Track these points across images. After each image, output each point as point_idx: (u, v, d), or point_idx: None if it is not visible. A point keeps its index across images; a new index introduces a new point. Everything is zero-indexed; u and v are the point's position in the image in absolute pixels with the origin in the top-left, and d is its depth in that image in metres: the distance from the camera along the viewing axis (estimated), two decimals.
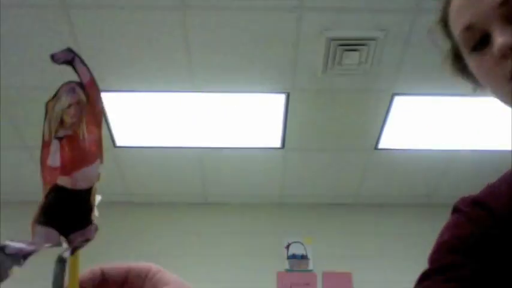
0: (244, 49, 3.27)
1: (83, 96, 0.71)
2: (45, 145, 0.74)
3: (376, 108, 3.72)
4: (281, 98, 3.62)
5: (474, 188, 3.99)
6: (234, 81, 3.49)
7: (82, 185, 0.70)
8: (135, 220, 4.57)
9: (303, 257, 4.46)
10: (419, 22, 3.12)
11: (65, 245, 0.71)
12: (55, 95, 0.73)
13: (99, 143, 0.71)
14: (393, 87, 3.55)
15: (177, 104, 3.67)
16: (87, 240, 0.72)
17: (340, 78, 3.47)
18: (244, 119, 3.80)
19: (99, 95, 0.71)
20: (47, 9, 3.01)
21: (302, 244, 4.50)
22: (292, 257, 4.47)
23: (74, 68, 0.73)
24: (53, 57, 0.74)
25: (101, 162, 0.71)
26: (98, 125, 0.71)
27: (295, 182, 4.42)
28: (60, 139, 0.71)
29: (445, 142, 4.02)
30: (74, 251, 0.72)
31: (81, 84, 0.72)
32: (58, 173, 0.71)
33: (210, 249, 4.47)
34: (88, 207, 0.71)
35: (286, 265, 4.45)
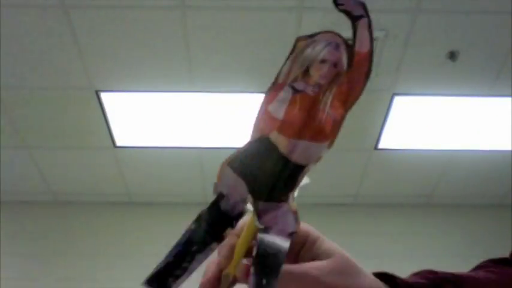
0: (244, 49, 3.27)
1: (345, 61, 0.58)
2: (275, 87, 0.61)
3: (376, 108, 3.72)
4: None
5: (474, 188, 4.04)
6: (234, 81, 3.49)
7: (297, 157, 0.59)
8: (135, 220, 4.57)
9: None
10: (419, 22, 3.12)
11: (249, 206, 0.60)
12: (311, 36, 0.60)
13: (337, 124, 0.60)
14: (393, 87, 3.55)
15: (177, 104, 3.67)
16: (287, 213, 0.58)
17: None
18: (244, 119, 3.80)
19: (367, 77, 0.58)
20: (47, 9, 3.02)
21: None
22: None
23: (354, 26, 0.61)
24: (337, 1, 0.60)
25: (329, 146, 0.60)
26: (346, 105, 0.59)
27: None
28: (295, 91, 0.59)
29: (445, 142, 4.02)
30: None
31: (351, 48, 0.58)
32: (276, 126, 0.58)
33: None
34: (291, 184, 0.59)
35: None
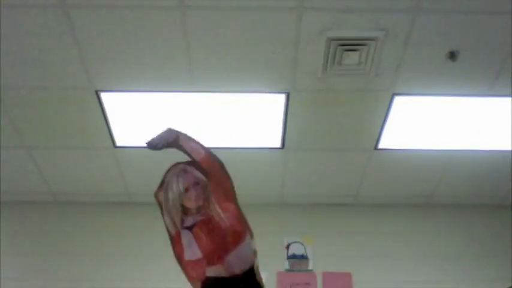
0: (244, 49, 3.27)
1: (199, 175, 0.65)
2: (175, 240, 0.67)
3: (376, 108, 3.72)
4: (281, 98, 3.62)
5: (474, 188, 4.03)
6: (234, 81, 3.49)
7: (240, 267, 0.64)
8: (135, 220, 4.57)
9: (303, 257, 4.46)
10: (419, 22, 3.12)
11: None
12: (162, 183, 0.68)
13: (240, 217, 0.65)
14: (393, 87, 3.55)
15: (177, 104, 3.67)
16: None
17: (340, 78, 3.47)
18: (244, 119, 3.80)
19: (223, 168, 0.65)
20: (47, 9, 3.02)
21: (302, 244, 4.50)
22: (292, 257, 4.47)
23: (179, 148, 0.65)
24: (150, 145, 0.64)
25: (251, 237, 0.65)
26: (232, 200, 0.66)
27: (295, 182, 4.42)
28: (190, 228, 0.65)
29: (445, 142, 4.02)
30: None
31: (193, 162, 0.66)
32: (204, 264, 0.65)
33: None
34: (257, 286, 0.64)
35: (286, 265, 4.45)
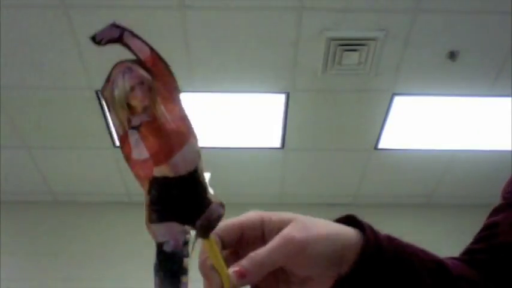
0: (244, 49, 3.27)
1: (144, 74, 0.62)
2: (122, 139, 0.66)
3: (376, 108, 3.72)
4: (281, 98, 3.62)
5: (474, 188, 4.04)
6: (234, 81, 3.49)
7: (184, 168, 0.64)
8: (135, 220, 4.56)
9: None
10: (419, 22, 3.12)
11: (192, 232, 0.64)
12: (107, 80, 0.65)
13: (185, 119, 0.64)
14: (393, 87, 3.55)
15: None
16: (219, 217, 0.64)
17: (340, 78, 3.47)
18: (244, 119, 3.80)
19: (168, 68, 0.63)
20: (47, 9, 3.02)
21: None
22: None
23: (124, 45, 0.65)
24: (95, 38, 0.65)
25: (195, 139, 0.64)
26: (177, 101, 0.63)
27: (295, 182, 4.42)
28: (137, 128, 0.64)
29: (445, 142, 4.02)
30: (206, 232, 0.63)
31: (138, 61, 0.63)
32: (151, 164, 0.65)
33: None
34: (201, 189, 0.65)
35: None
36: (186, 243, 0.64)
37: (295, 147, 4.05)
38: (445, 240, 4.60)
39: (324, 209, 4.64)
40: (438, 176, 4.38)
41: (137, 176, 0.67)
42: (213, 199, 0.64)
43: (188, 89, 3.54)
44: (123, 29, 0.63)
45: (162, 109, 0.62)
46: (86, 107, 3.67)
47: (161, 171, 0.64)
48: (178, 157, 0.63)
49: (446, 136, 3.97)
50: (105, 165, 4.23)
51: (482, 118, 3.80)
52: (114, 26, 0.62)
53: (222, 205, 0.64)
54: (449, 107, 3.71)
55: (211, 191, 0.65)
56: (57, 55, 3.29)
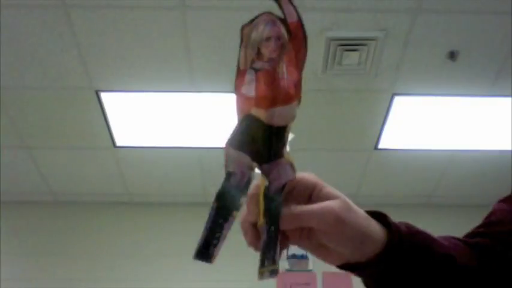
0: None
1: (284, 33, 0.68)
2: (240, 73, 0.74)
3: (376, 108, 3.72)
4: None
5: (474, 188, 4.03)
6: (234, 81, 3.49)
7: (277, 121, 0.70)
8: (135, 220, 4.57)
9: (303, 257, 4.46)
10: (419, 22, 3.12)
11: (257, 170, 0.72)
12: (251, 21, 0.71)
13: (298, 85, 0.70)
14: (393, 87, 3.55)
15: (177, 104, 3.67)
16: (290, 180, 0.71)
17: (340, 78, 3.47)
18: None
19: (306, 40, 0.69)
20: (47, 9, 3.02)
21: None
22: (292, 257, 4.47)
23: (279, 4, 0.68)
24: None
25: (298, 104, 0.71)
26: (299, 68, 0.69)
27: None
28: (256, 71, 0.70)
29: (445, 142, 4.02)
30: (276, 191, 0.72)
31: (284, 21, 0.69)
32: (253, 103, 0.71)
33: None
34: (280, 143, 0.72)
35: (286, 265, 4.45)
36: (248, 182, 0.71)
37: (295, 147, 4.04)
38: None
39: None
40: (438, 176, 4.38)
41: (238, 107, 0.74)
42: (285, 155, 0.73)
43: (188, 89, 3.55)
44: None
45: (283, 67, 0.68)
46: (86, 107, 3.67)
47: (258, 113, 0.70)
48: (277, 110, 0.69)
49: (446, 136, 3.97)
50: (105, 165, 4.23)
51: (482, 118, 3.80)
52: None
53: (292, 167, 0.73)
54: (449, 107, 3.71)
55: (287, 148, 0.73)
56: (57, 55, 3.29)
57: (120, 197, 4.58)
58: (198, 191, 4.47)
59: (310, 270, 4.42)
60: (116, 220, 4.57)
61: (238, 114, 0.74)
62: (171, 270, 4.37)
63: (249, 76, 0.71)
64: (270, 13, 0.70)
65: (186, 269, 4.36)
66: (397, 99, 3.65)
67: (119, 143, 4.00)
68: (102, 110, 3.69)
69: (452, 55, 3.31)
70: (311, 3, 3.01)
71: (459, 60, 3.33)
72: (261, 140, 0.71)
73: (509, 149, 4.04)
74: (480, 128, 3.88)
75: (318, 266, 4.43)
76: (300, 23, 0.69)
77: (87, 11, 3.03)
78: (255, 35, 0.68)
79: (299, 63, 0.69)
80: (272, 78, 0.68)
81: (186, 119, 3.79)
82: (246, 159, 0.71)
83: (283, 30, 0.67)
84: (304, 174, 0.79)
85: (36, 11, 3.02)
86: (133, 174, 4.34)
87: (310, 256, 4.46)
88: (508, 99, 3.63)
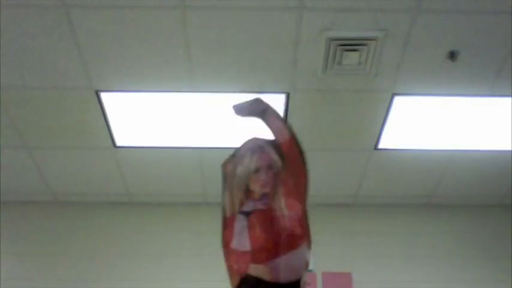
0: (244, 49, 3.27)
1: (276, 158, 0.55)
2: (228, 222, 0.58)
3: (376, 108, 3.72)
4: (281, 98, 3.62)
5: (474, 188, 4.03)
6: (234, 81, 3.49)
7: (286, 276, 0.54)
8: (135, 220, 4.57)
9: None
10: (419, 22, 3.12)
11: None
12: (234, 154, 0.58)
13: (304, 220, 0.56)
14: (393, 87, 3.55)
15: (177, 104, 3.67)
16: None
17: (340, 78, 3.47)
18: (244, 119, 3.80)
19: (303, 157, 0.56)
20: (47, 9, 3.02)
21: None
22: None
23: (265, 121, 0.57)
24: (235, 108, 0.58)
25: (309, 247, 0.54)
26: (301, 197, 0.56)
27: None
28: (247, 214, 0.56)
29: (445, 142, 4.02)
30: None
31: (273, 143, 0.56)
32: (249, 259, 0.52)
33: (209, 249, 4.45)
34: None
35: None
36: None
37: None
38: (445, 240, 4.60)
39: (324, 209, 4.65)
40: (438, 176, 4.38)
41: (229, 268, 0.57)
42: None
43: (188, 89, 3.54)
44: (267, 106, 0.57)
45: (281, 202, 0.56)
46: (86, 107, 3.66)
47: (258, 271, 0.55)
48: (282, 261, 0.54)
49: (446, 136, 3.97)
50: (105, 165, 4.23)
51: (482, 118, 3.80)
52: (259, 101, 0.57)
53: None
54: (449, 107, 3.71)
55: None
56: (57, 55, 3.29)
57: (120, 197, 4.58)
58: (198, 191, 4.47)
59: (310, 270, 4.41)
60: (116, 220, 4.57)
61: (231, 276, 0.58)
62: (171, 270, 4.37)
63: (239, 224, 0.56)
64: (256, 138, 0.58)
65: (186, 268, 4.36)
66: (397, 99, 3.65)
67: (119, 143, 4.00)
68: (102, 110, 3.69)
69: (452, 55, 3.31)
70: (311, 3, 3.00)
71: (459, 60, 3.33)
72: None
73: (509, 149, 4.04)
74: (480, 128, 3.88)
75: (318, 266, 4.43)
76: (294, 139, 0.57)
77: (87, 11, 3.03)
78: (240, 170, 0.56)
79: (300, 191, 0.56)
80: (269, 220, 0.55)
81: (186, 119, 3.78)
82: None
83: (274, 156, 0.56)
84: None
85: (36, 11, 3.02)
86: (133, 174, 4.33)
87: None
88: (508, 99, 3.63)
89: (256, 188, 0.42)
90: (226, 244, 0.49)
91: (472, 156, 4.15)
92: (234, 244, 0.50)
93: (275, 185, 0.43)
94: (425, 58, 3.34)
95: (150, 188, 4.49)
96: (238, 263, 0.50)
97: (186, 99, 3.62)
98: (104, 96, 3.58)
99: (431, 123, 3.84)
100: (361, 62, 3.32)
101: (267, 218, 0.44)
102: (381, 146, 4.04)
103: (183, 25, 3.12)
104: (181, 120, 3.80)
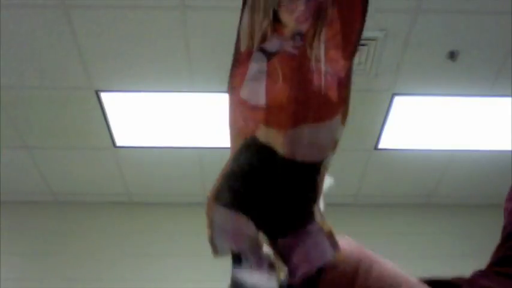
0: None
1: None
2: (239, 62, 0.38)
3: (376, 108, 3.72)
4: None
5: (474, 188, 4.05)
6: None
7: (306, 153, 0.37)
8: (135, 220, 4.57)
9: None
10: (419, 22, 3.11)
11: (266, 249, 0.38)
12: None
13: (344, 84, 0.36)
14: (393, 87, 3.55)
15: (177, 104, 3.67)
16: (320, 271, 0.35)
17: None
18: None
19: (367, 2, 0.34)
20: (47, 9, 3.01)
21: None
22: None
23: None
24: None
25: (344, 120, 0.36)
26: (349, 54, 0.36)
27: None
28: (270, 55, 0.38)
29: (445, 142, 4.02)
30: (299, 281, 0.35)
31: None
32: (260, 117, 0.36)
33: (209, 249, 4.46)
34: (310, 195, 0.38)
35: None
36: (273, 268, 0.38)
37: None
38: (445, 240, 4.60)
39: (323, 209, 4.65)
40: (438, 176, 4.38)
41: (233, 123, 0.38)
42: (319, 219, 0.37)
43: (188, 89, 3.54)
44: None
45: (321, 51, 0.37)
46: (86, 107, 3.66)
47: (269, 137, 0.37)
48: (305, 132, 0.37)
49: (446, 136, 3.96)
50: (105, 165, 4.22)
51: (482, 118, 3.79)
52: None
53: (331, 239, 0.36)
54: (449, 107, 3.71)
55: (321, 206, 0.36)
56: (57, 55, 3.28)
57: (120, 197, 4.57)
58: (198, 191, 4.46)
59: None
60: (116, 220, 4.57)
61: (233, 138, 0.38)
62: (171, 270, 4.36)
63: (256, 65, 0.38)
64: None
65: (186, 268, 4.36)
66: (397, 99, 3.65)
67: (119, 143, 4.00)
68: (102, 110, 3.69)
69: (452, 55, 3.31)
70: None
71: (459, 60, 3.33)
72: (275, 192, 0.37)
73: (509, 149, 4.04)
74: (480, 128, 3.88)
75: None
76: None
77: (87, 11, 3.03)
78: None
79: (350, 42, 0.37)
80: (298, 71, 0.36)
81: (186, 119, 3.78)
82: (245, 226, 0.38)
83: None
84: (345, 248, 0.41)
85: (36, 11, 3.02)
86: (133, 174, 4.33)
87: None
88: (508, 99, 3.63)
89: (289, 21, 0.29)
90: (232, 92, 0.34)
91: (472, 156, 4.15)
92: (244, 92, 0.38)
93: (316, 24, 0.30)
94: (425, 58, 3.34)
95: (150, 187, 4.49)
96: (247, 119, 0.36)
97: (186, 99, 3.62)
98: (104, 96, 3.58)
99: (431, 123, 3.84)
100: (361, 62, 3.32)
101: (296, 67, 0.29)
102: (381, 146, 4.04)
103: (183, 25, 3.12)
104: (181, 120, 3.79)
